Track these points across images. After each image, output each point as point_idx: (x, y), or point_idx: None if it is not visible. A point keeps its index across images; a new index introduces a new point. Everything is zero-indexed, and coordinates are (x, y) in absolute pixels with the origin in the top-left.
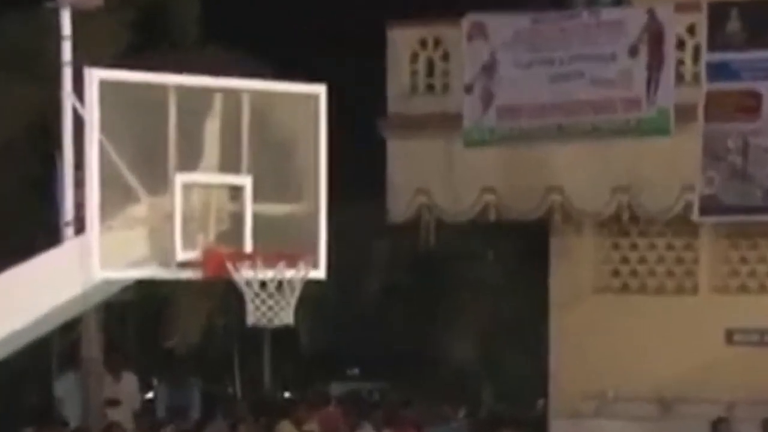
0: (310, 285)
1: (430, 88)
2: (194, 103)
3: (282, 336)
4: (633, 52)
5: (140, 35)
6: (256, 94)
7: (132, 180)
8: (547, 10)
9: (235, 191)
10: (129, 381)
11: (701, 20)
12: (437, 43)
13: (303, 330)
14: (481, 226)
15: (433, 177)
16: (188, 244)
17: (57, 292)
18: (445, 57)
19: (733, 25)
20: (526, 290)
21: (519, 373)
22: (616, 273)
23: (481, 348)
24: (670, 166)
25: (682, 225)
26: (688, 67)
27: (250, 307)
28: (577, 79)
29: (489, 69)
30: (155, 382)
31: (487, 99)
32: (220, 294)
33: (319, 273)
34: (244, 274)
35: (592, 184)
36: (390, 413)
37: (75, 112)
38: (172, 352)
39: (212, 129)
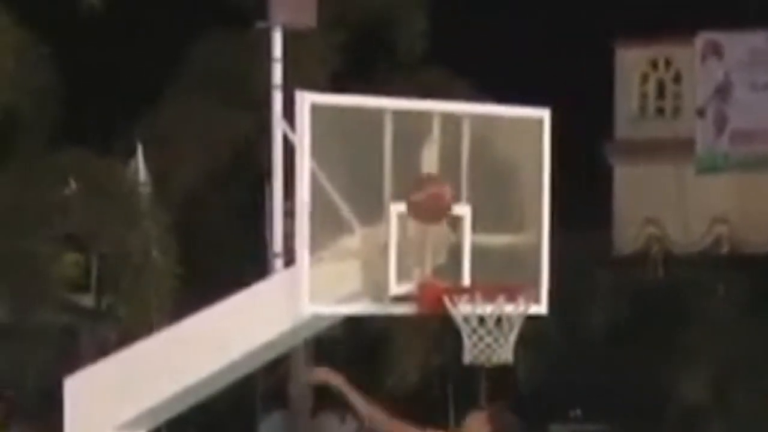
0: (529, 320)
1: (660, 111)
2: (411, 128)
3: (498, 374)
4: None
5: (352, 56)
6: (476, 119)
7: (344, 210)
8: None
9: (453, 221)
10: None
11: None
12: (668, 63)
13: (521, 368)
14: (712, 259)
15: (663, 206)
16: (403, 277)
17: (264, 327)
18: (677, 78)
19: None
20: (759, 327)
21: (753, 416)
22: None
23: (712, 388)
24: None
25: None
26: None
27: (467, 344)
28: None
29: (723, 91)
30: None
31: (721, 123)
32: (435, 331)
33: (541, 308)
34: (462, 309)
35: None
36: None
37: (285, 138)
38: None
39: (430, 156)
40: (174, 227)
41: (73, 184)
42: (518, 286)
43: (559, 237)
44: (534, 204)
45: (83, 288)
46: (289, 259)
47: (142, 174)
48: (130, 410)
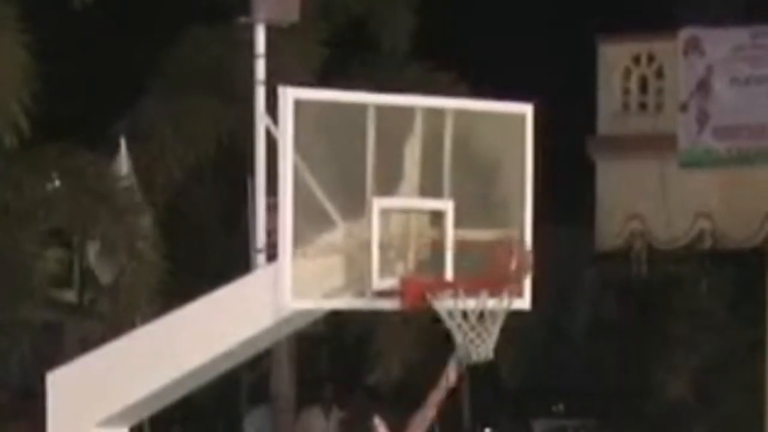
0: (512, 316)
1: (643, 106)
2: (394, 123)
3: (482, 369)
4: None
5: (336, 52)
6: (459, 114)
7: (327, 205)
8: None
9: (436, 217)
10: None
11: None
12: (651, 58)
13: (504, 363)
14: (695, 254)
15: (645, 201)
16: (386, 272)
17: (247, 322)
18: (659, 73)
19: None
20: (742, 323)
21: (735, 411)
22: None
23: (694, 383)
24: None
25: None
26: None
27: (458, 339)
28: None
29: (705, 86)
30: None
31: (703, 118)
32: (419, 326)
33: (524, 303)
34: (445, 304)
35: None
36: None
37: (268, 133)
38: (374, 388)
39: (412, 151)
40: (157, 222)
41: (56, 180)
42: (501, 282)
43: (541, 232)
44: (517, 199)
45: (66, 284)
46: (272, 254)
47: (126, 169)
48: (113, 406)
